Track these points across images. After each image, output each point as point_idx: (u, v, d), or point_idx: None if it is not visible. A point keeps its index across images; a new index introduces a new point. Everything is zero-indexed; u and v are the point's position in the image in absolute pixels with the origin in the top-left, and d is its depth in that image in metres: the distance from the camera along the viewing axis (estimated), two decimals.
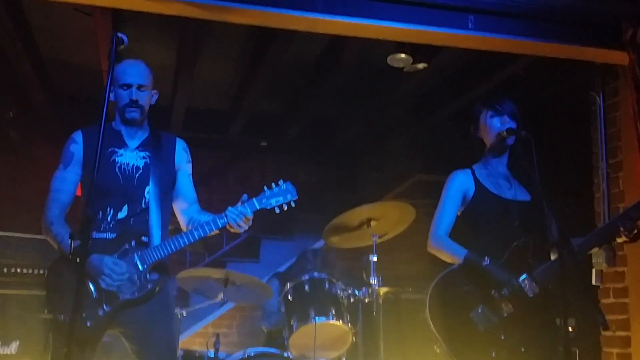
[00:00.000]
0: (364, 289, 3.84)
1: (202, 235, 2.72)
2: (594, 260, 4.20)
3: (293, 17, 3.62)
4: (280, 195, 2.79)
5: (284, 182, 2.82)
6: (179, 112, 6.11)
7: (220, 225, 2.72)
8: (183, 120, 6.33)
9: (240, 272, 4.15)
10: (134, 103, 2.79)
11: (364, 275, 3.87)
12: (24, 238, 4.05)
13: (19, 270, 3.99)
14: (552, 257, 2.77)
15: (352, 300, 3.84)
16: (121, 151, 2.82)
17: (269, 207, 2.77)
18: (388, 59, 4.66)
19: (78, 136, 2.84)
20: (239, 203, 2.74)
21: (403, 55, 4.60)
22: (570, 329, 4.20)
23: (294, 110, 6.50)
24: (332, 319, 3.65)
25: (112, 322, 2.66)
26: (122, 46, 2.32)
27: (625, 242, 2.79)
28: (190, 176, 2.98)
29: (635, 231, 2.73)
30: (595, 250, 4.11)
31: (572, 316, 4.15)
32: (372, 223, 3.89)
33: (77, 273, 2.28)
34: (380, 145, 7.13)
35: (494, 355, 2.73)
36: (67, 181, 2.79)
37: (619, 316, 4.06)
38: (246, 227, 2.75)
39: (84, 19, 4.34)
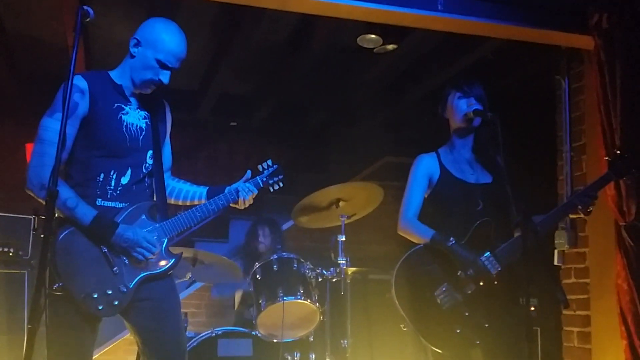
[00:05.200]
0: (332, 268, 3.87)
1: (218, 208, 2.65)
2: (556, 241, 4.30)
3: None
4: (276, 176, 2.81)
5: (272, 162, 2.83)
6: None
7: (231, 200, 2.67)
8: None
9: (208, 251, 4.15)
10: (161, 85, 2.56)
11: (332, 255, 3.91)
12: None
13: None
14: (515, 236, 2.84)
15: (320, 279, 3.87)
16: (127, 109, 2.54)
17: (269, 186, 2.79)
18: (358, 39, 4.68)
19: (83, 84, 2.44)
20: (243, 180, 2.73)
21: (373, 36, 4.62)
22: (532, 309, 4.33)
23: (264, 91, 6.47)
24: (300, 298, 3.67)
25: (133, 298, 2.45)
26: (88, 19, 2.22)
27: (579, 217, 2.90)
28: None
29: (590, 208, 2.82)
30: (557, 231, 4.24)
31: (535, 296, 4.28)
32: (341, 203, 3.92)
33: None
34: (350, 127, 7.14)
35: (458, 331, 2.79)
36: (64, 134, 2.39)
37: (579, 296, 4.17)
38: (247, 204, 2.72)
39: None
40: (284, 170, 2.87)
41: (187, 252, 3.99)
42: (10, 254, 4.07)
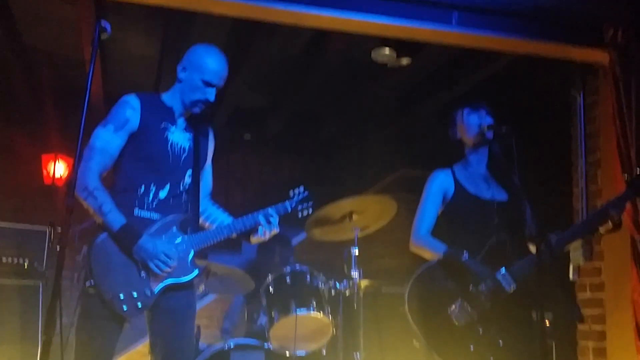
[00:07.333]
0: (345, 281, 3.86)
1: (245, 228, 2.74)
2: (571, 256, 4.26)
3: (278, 10, 3.62)
4: (306, 202, 2.90)
5: (304, 189, 2.91)
6: None
7: (259, 222, 2.74)
8: None
9: (221, 263, 4.15)
10: (208, 103, 2.74)
11: (345, 268, 3.89)
12: (2, 227, 4.02)
13: None
14: (530, 253, 2.82)
15: (333, 292, 3.86)
16: (173, 128, 2.73)
17: (299, 212, 2.87)
18: (372, 54, 4.69)
19: (136, 102, 2.67)
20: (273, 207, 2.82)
21: (387, 51, 4.63)
22: (547, 323, 4.28)
23: (278, 104, 6.50)
24: (313, 311, 3.66)
25: (154, 304, 2.58)
26: (106, 35, 2.30)
27: (609, 231, 2.82)
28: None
29: (618, 222, 2.78)
30: (573, 245, 4.20)
31: (549, 310, 4.24)
32: (354, 216, 3.91)
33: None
34: (363, 140, 7.15)
35: (472, 349, 2.77)
36: (113, 145, 2.60)
37: (594, 311, 4.13)
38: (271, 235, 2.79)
39: (67, 8, 4.31)
40: (298, 183, 2.93)
41: (199, 264, 4.00)
42: (26, 266, 4.10)
